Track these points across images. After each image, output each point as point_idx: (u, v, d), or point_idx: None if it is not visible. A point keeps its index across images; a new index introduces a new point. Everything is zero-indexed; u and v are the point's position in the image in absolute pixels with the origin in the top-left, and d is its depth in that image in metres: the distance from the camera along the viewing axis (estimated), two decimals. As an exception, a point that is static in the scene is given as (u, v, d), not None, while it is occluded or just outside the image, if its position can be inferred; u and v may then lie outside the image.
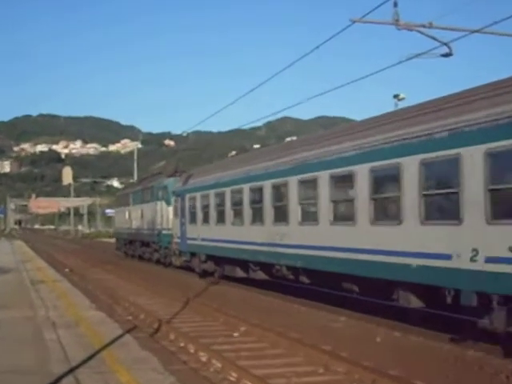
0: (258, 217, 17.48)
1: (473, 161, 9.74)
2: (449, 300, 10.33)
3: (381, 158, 11.93)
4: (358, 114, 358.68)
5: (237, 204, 18.98)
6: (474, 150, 9.71)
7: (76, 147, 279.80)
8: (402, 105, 32.65)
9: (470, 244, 9.69)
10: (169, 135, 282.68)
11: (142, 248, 33.84)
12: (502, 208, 9.31)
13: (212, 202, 21.12)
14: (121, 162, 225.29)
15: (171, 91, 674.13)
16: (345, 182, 13.24)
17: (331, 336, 11.92)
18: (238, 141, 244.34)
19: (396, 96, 34.89)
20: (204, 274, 22.92)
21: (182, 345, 11.37)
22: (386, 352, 10.44)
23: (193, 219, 23.22)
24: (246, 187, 18.25)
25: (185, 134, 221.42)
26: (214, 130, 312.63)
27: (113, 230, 56.37)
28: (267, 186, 16.81)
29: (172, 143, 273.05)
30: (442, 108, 10.71)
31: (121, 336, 10.87)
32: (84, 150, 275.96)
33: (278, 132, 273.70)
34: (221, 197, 20.34)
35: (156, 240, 30.11)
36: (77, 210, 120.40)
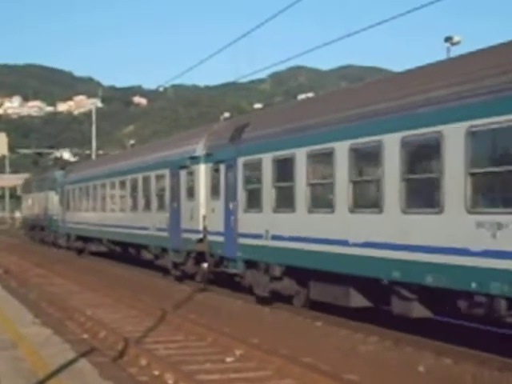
0: (96, 205, 38.55)
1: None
2: (154, 252, 29.73)
3: (148, 170, 31.42)
4: (397, 64, 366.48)
5: (87, 197, 40.55)
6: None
7: (13, 106, 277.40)
8: (456, 51, 33.71)
9: (151, 221, 29.30)
10: (139, 90, 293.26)
11: (41, 232, 55.20)
12: (159, 203, 28.93)
13: (77, 194, 43.12)
14: (74, 127, 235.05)
15: (143, 34, 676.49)
16: (134, 184, 32.62)
17: (357, 362, 12.75)
18: (233, 98, 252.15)
19: (448, 39, 36.72)
20: (78, 251, 43.74)
21: (156, 373, 12.16)
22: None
23: (68, 206, 45.44)
24: (91, 184, 39.59)
25: (161, 89, 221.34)
26: (201, 83, 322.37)
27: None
28: (97, 185, 37.76)
29: (143, 101, 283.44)
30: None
31: (74, 361, 11.57)
32: (24, 110, 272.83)
33: (287, 86, 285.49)
34: (80, 190, 42.17)
35: (48, 224, 51.33)
36: (14, 191, 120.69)
